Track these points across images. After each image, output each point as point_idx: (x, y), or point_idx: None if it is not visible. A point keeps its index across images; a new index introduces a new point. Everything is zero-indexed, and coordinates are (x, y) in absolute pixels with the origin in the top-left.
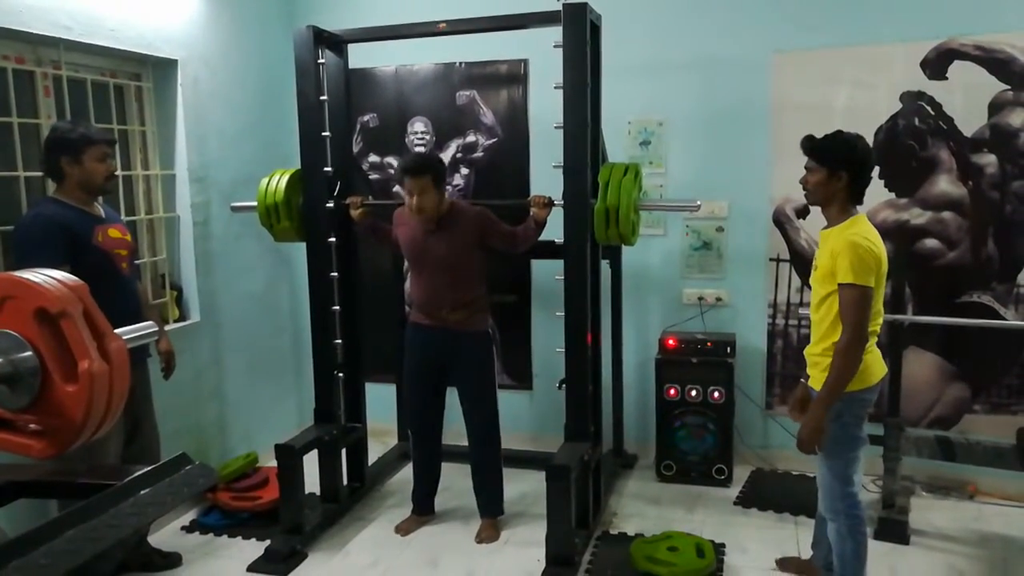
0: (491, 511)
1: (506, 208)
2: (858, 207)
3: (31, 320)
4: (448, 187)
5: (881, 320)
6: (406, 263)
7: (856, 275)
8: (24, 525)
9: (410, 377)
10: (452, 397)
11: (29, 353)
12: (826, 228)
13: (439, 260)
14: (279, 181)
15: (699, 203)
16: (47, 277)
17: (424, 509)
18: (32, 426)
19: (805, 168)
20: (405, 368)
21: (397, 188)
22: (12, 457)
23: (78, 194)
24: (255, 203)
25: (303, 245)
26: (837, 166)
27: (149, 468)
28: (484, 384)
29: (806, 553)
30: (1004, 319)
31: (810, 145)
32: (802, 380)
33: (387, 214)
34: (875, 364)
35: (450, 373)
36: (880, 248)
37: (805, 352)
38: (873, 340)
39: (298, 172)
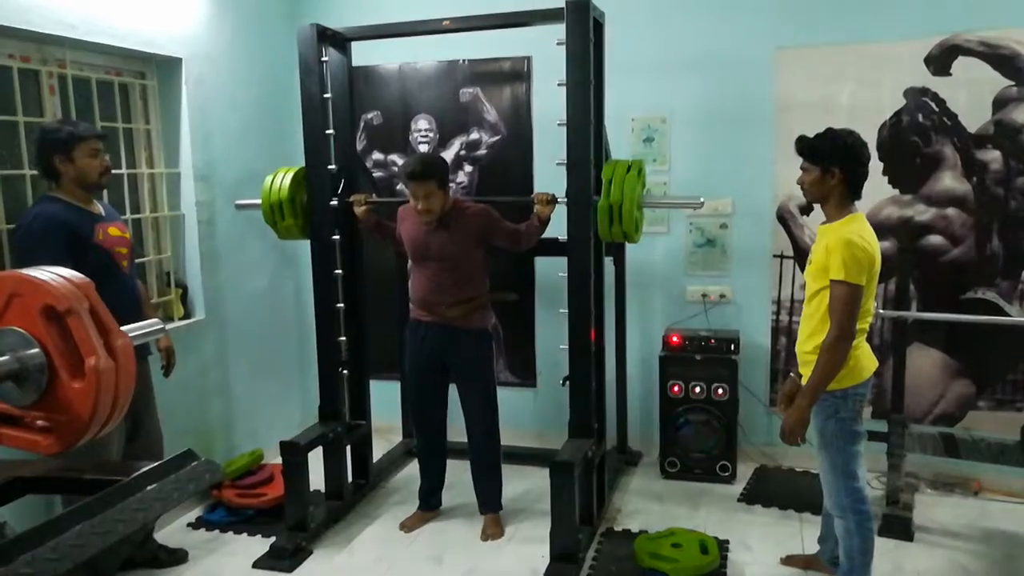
0: (490, 507)
1: (509, 205)
2: (858, 203)
3: (38, 317)
4: (452, 184)
5: (871, 318)
6: (409, 262)
7: (848, 273)
8: (29, 522)
9: (412, 375)
10: (453, 392)
11: (36, 350)
12: (824, 224)
13: (441, 257)
14: (283, 179)
15: (702, 200)
16: (54, 275)
17: (429, 505)
18: (39, 422)
19: (800, 168)
20: (407, 366)
21: (401, 187)
22: (17, 453)
23: (76, 192)
24: (259, 200)
25: (307, 243)
26: (829, 164)
27: (155, 464)
28: (483, 382)
29: (810, 550)
30: (1009, 315)
31: (802, 145)
32: (791, 375)
33: (391, 211)
34: (865, 359)
35: (450, 371)
36: (874, 247)
37: (797, 350)
38: (862, 336)
39: (302, 170)
